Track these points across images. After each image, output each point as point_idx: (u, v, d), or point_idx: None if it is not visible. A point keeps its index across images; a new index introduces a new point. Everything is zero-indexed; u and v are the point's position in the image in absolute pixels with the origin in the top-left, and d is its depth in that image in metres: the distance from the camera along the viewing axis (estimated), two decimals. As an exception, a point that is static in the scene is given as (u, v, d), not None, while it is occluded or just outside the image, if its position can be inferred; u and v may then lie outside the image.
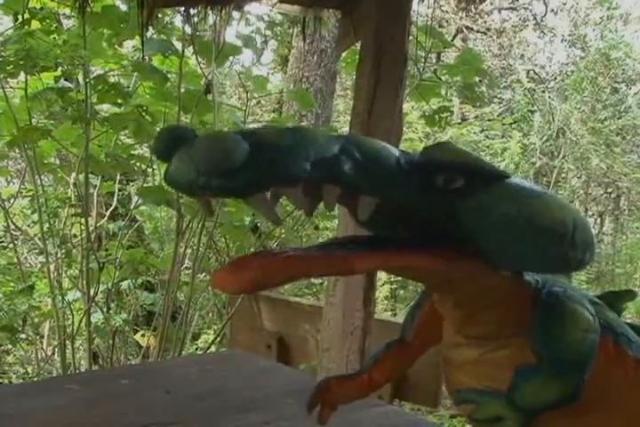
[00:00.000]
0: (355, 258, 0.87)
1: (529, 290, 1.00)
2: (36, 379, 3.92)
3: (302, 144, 0.79)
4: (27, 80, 3.38)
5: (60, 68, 3.52)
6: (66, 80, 3.58)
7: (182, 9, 3.26)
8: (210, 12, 3.25)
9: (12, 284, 4.22)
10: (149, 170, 3.92)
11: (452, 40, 9.57)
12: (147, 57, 3.50)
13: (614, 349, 1.03)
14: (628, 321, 1.15)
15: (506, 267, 0.95)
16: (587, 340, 0.97)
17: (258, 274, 0.82)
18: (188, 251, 3.80)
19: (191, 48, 3.52)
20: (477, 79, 4.17)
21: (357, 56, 2.93)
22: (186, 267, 4.02)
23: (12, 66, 3.25)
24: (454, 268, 0.94)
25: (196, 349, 4.80)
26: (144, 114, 3.39)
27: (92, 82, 3.35)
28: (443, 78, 3.90)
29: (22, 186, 4.28)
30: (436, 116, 3.71)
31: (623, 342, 1.04)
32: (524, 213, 0.89)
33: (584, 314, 0.98)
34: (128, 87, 3.57)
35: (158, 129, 3.48)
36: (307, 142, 0.80)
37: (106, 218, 4.16)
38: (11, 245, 4.37)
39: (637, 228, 11.74)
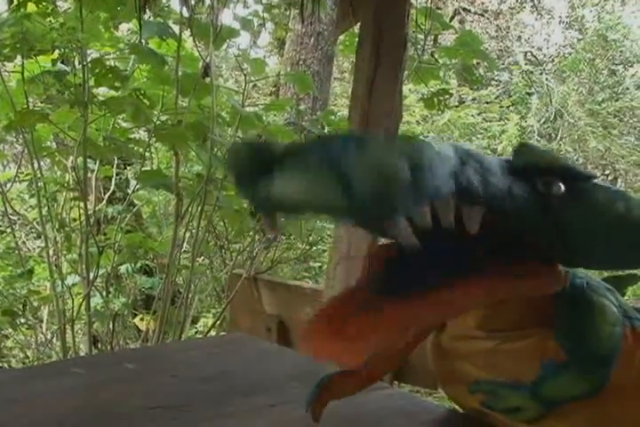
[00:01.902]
0: (460, 300, 0.84)
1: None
2: (35, 363, 3.93)
3: (437, 161, 0.74)
4: (23, 63, 3.36)
5: (56, 52, 3.50)
6: (63, 63, 3.56)
7: (180, -9, 3.24)
8: (207, -6, 3.24)
9: (10, 268, 4.21)
10: (147, 154, 3.90)
11: (450, 22, 9.53)
12: (144, 40, 3.48)
13: (632, 335, 1.03)
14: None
15: (594, 265, 0.97)
16: (615, 334, 0.97)
17: (380, 341, 0.78)
18: (187, 235, 3.80)
19: (188, 31, 3.50)
20: (476, 61, 4.15)
21: (356, 39, 2.91)
22: (185, 251, 4.02)
23: (8, 49, 3.23)
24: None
25: (196, 332, 4.82)
26: (142, 97, 3.37)
27: (90, 65, 3.33)
28: (441, 61, 3.88)
29: (20, 170, 4.26)
30: (435, 99, 3.69)
31: (638, 327, 1.04)
32: (630, 216, 0.89)
33: (610, 308, 0.98)
34: (125, 70, 3.55)
35: (155, 113, 3.48)
36: (439, 158, 0.75)
37: (104, 202, 4.15)
38: (9, 230, 4.37)
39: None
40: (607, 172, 11.71)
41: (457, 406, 1.21)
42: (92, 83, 3.38)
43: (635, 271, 1.17)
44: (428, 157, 0.73)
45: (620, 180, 11.93)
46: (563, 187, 0.88)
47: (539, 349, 1.00)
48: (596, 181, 0.94)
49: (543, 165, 0.88)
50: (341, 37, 4.98)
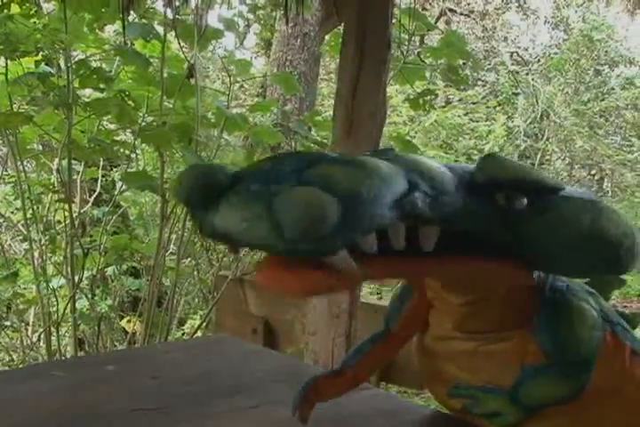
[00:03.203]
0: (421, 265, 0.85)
1: (532, 284, 0.99)
2: (21, 366, 3.91)
3: (381, 189, 0.73)
4: (7, 65, 3.35)
5: (40, 53, 3.49)
6: (47, 65, 3.55)
7: (164, -8, 3.24)
8: (191, -5, 3.24)
9: (-5, 271, 4.19)
10: (133, 155, 3.89)
11: (436, 23, 9.57)
12: (128, 41, 3.47)
13: (612, 340, 1.02)
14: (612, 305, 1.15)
15: (558, 273, 0.96)
16: (594, 338, 0.97)
17: (327, 279, 0.76)
18: (173, 236, 3.79)
19: (173, 32, 3.49)
20: (461, 62, 4.16)
21: (341, 39, 2.91)
22: (171, 252, 4.01)
23: (-9, 50, 3.21)
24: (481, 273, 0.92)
25: (183, 334, 4.80)
26: (126, 99, 3.36)
27: (74, 66, 3.32)
28: (426, 61, 3.89)
29: (4, 172, 4.24)
30: (421, 100, 3.69)
31: (619, 333, 1.04)
32: (595, 229, 0.88)
33: (590, 312, 0.98)
34: (110, 72, 3.54)
35: (140, 114, 3.47)
36: (384, 186, 0.73)
37: (90, 204, 4.14)
38: (-6, 232, 4.35)
39: (621, 209, 11.81)
40: (594, 171, 11.76)
41: (442, 407, 1.21)
42: (76, 84, 3.36)
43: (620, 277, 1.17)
44: (371, 186, 0.72)
45: (606, 179, 11.99)
46: (525, 201, 0.87)
47: (518, 352, 0.99)
48: (566, 191, 0.92)
49: (504, 178, 0.86)
50: (327, 37, 4.98)
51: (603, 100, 11.33)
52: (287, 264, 0.76)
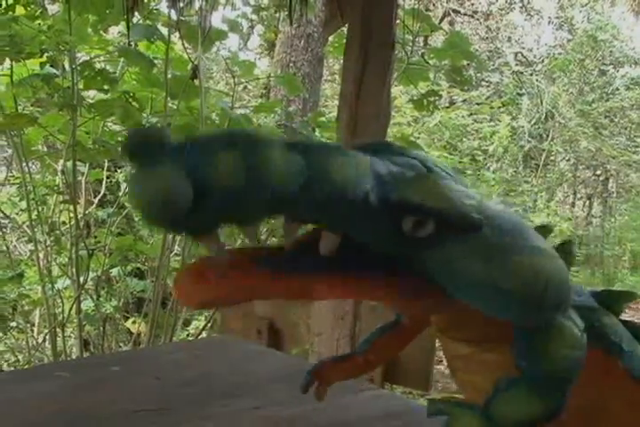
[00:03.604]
0: (315, 286, 0.82)
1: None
2: (26, 367, 3.92)
3: (258, 185, 0.70)
4: (12, 67, 3.36)
5: (45, 55, 3.50)
6: (52, 66, 3.56)
7: (168, -6, 3.24)
8: (195, -4, 3.24)
9: (0, 272, 4.20)
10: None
11: (440, 23, 9.56)
12: (132, 43, 3.48)
13: (604, 361, 0.99)
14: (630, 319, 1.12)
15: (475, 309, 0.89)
16: (571, 356, 0.92)
17: (216, 292, 0.78)
18: (178, 237, 3.80)
19: (177, 33, 3.50)
20: (465, 62, 4.16)
21: (344, 40, 2.91)
22: (175, 253, 4.02)
23: (-4, 52, 3.23)
24: (417, 301, 0.91)
25: (187, 335, 4.81)
26: (131, 100, 3.37)
27: (78, 68, 3.33)
28: (430, 62, 3.89)
29: (10, 173, 4.25)
30: (425, 100, 3.70)
31: (614, 353, 1.01)
32: (492, 274, 0.83)
33: (571, 329, 0.93)
34: (114, 73, 3.55)
35: (145, 115, 3.48)
36: (263, 183, 0.70)
37: (94, 205, 4.15)
38: (-1, 233, 4.36)
39: (626, 210, 11.80)
40: (598, 172, 11.74)
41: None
42: (81, 86, 3.38)
43: (633, 290, 1.14)
44: (229, 184, 0.69)
45: (611, 180, 11.97)
46: (431, 229, 0.82)
47: (501, 365, 0.95)
48: (496, 228, 0.86)
49: (415, 203, 0.81)
50: (331, 39, 4.98)
51: (607, 100, 11.31)
52: (189, 277, 0.78)
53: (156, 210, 0.68)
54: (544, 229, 1.07)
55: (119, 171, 4.91)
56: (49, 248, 3.81)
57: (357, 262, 0.83)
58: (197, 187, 0.67)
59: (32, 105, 3.83)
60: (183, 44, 3.58)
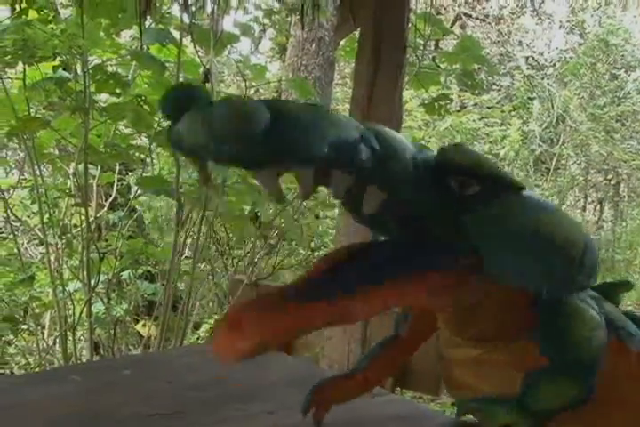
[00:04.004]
0: (351, 306, 0.82)
1: (529, 292, 0.97)
2: (37, 369, 3.93)
3: (324, 122, 0.74)
4: (25, 70, 3.37)
5: (58, 58, 3.51)
6: (64, 70, 3.57)
7: (180, -2, 3.25)
8: (208, 0, 3.25)
9: (12, 274, 4.21)
10: (148, 160, 3.91)
11: (451, 27, 9.55)
12: (145, 46, 3.49)
13: (616, 344, 1.01)
14: (629, 309, 1.13)
15: (507, 281, 0.91)
16: (595, 338, 0.95)
17: (260, 338, 0.78)
18: (189, 240, 3.80)
19: (189, 37, 3.51)
20: (476, 66, 4.16)
21: (356, 44, 2.92)
22: (186, 256, 4.02)
23: (9, 56, 3.24)
24: (455, 293, 0.92)
25: (198, 338, 4.81)
26: (142, 103, 3.37)
27: (91, 71, 3.34)
28: (442, 66, 3.89)
29: (21, 176, 4.27)
30: (436, 104, 3.69)
31: (625, 337, 1.02)
32: (534, 228, 0.86)
33: (589, 312, 0.96)
34: (126, 77, 3.56)
35: (156, 119, 3.49)
36: (328, 121, 0.75)
37: (105, 208, 4.15)
38: (11, 236, 4.37)
39: (637, 214, 11.74)
40: (610, 176, 11.70)
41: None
42: (93, 89, 3.38)
43: (629, 279, 1.16)
44: (314, 118, 0.74)
45: (622, 184, 11.92)
46: (477, 188, 0.86)
47: (522, 361, 0.97)
48: (531, 193, 0.91)
49: (462, 164, 0.86)
50: (342, 42, 4.98)
51: (619, 104, 11.27)
52: (223, 329, 0.79)
53: (236, 124, 0.70)
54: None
55: (130, 174, 4.92)
56: (60, 251, 3.82)
57: (380, 271, 0.84)
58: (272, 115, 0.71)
59: (44, 108, 3.84)
60: (195, 48, 3.58)
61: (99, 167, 3.87)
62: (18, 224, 4.55)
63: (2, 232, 5.22)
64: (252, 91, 4.20)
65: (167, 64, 3.45)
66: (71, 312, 3.74)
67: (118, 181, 4.24)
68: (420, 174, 0.83)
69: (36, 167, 3.60)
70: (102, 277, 3.76)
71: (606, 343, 0.96)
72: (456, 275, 0.89)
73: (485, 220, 0.87)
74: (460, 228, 0.87)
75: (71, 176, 3.74)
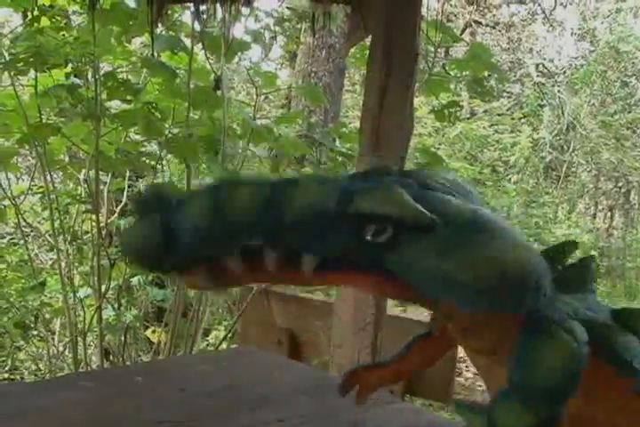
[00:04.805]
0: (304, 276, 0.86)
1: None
2: (47, 375, 3.94)
3: (222, 219, 0.80)
4: (37, 77, 3.39)
5: (69, 65, 3.52)
6: (76, 77, 3.59)
7: (191, 5, 3.26)
8: (219, 8, 3.26)
9: (23, 280, 4.23)
10: (159, 166, 3.92)
11: (461, 34, 9.55)
12: (156, 53, 3.50)
13: (614, 380, 0.96)
14: None
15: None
16: (564, 368, 0.89)
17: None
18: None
19: (200, 44, 3.52)
20: (487, 73, 4.15)
21: (367, 51, 2.92)
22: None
23: (22, 63, 3.25)
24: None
25: (207, 345, 4.81)
26: (153, 110, 3.38)
27: (102, 78, 3.36)
28: (452, 73, 3.89)
29: (33, 183, 4.29)
30: (446, 111, 3.69)
31: (625, 373, 0.96)
32: (447, 268, 0.84)
33: (565, 340, 0.90)
34: (137, 84, 3.57)
35: (167, 125, 3.50)
36: (226, 216, 0.80)
37: (116, 214, 4.17)
38: (22, 242, 4.39)
39: (648, 222, 11.70)
40: (620, 184, 11.66)
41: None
42: (104, 96, 3.40)
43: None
44: (199, 224, 0.80)
45: (633, 192, 11.88)
46: (389, 234, 0.85)
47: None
48: (453, 227, 0.87)
49: (371, 212, 0.85)
50: (353, 50, 4.99)
51: (630, 111, 11.24)
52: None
53: (134, 253, 0.82)
54: (570, 245, 1.07)
55: (140, 180, 4.94)
56: (71, 257, 3.83)
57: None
58: (169, 231, 0.80)
59: (56, 115, 3.86)
60: (206, 55, 3.59)
61: (109, 174, 3.88)
62: (29, 230, 4.57)
63: (13, 238, 5.24)
64: (262, 97, 4.21)
65: (178, 71, 3.46)
66: (81, 318, 3.75)
67: (129, 187, 4.25)
68: (338, 230, 0.85)
69: (47, 174, 3.61)
70: (112, 284, 3.77)
71: (580, 378, 0.89)
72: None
73: (402, 264, 0.86)
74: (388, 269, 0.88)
75: (82, 182, 3.76)
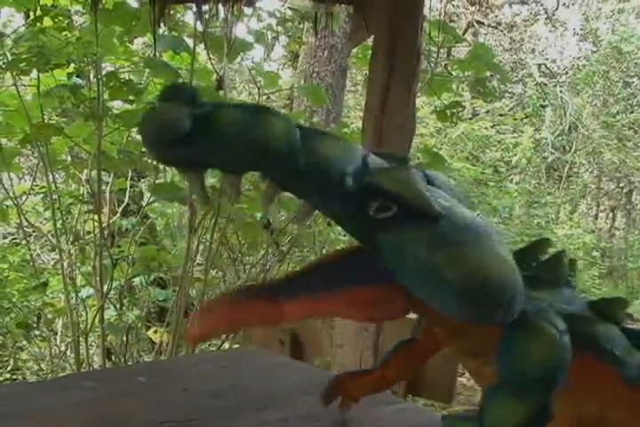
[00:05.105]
0: (285, 307, 0.88)
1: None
2: (50, 375, 3.94)
3: (250, 133, 0.79)
4: (39, 77, 3.39)
5: (72, 65, 3.52)
6: (78, 77, 3.59)
7: (194, 5, 3.26)
8: (221, 8, 3.26)
9: (25, 281, 4.23)
10: (161, 166, 3.92)
11: (464, 35, 9.55)
12: (158, 53, 3.50)
13: (598, 368, 0.98)
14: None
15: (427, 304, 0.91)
16: (550, 357, 0.91)
17: (203, 330, 0.88)
18: (201, 247, 3.80)
19: (202, 44, 3.52)
20: (489, 74, 4.15)
21: (369, 51, 2.92)
22: (198, 263, 4.02)
23: (24, 63, 3.25)
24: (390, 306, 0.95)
25: (209, 345, 4.81)
26: (156, 110, 3.38)
27: (104, 79, 3.35)
28: (454, 73, 3.88)
29: (35, 183, 4.29)
30: (448, 112, 3.69)
31: (607, 361, 0.99)
32: (435, 261, 0.85)
33: (548, 331, 0.92)
34: (140, 84, 3.57)
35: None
36: (258, 130, 0.79)
37: (118, 215, 4.16)
38: (24, 242, 4.39)
39: (650, 222, 11.69)
40: (622, 184, 11.66)
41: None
42: (106, 96, 3.40)
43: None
44: (231, 122, 0.79)
45: (635, 192, 11.88)
46: (392, 213, 0.87)
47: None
48: (454, 218, 0.89)
49: (381, 188, 0.87)
50: (355, 50, 4.99)
51: (632, 112, 11.24)
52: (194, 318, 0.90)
53: (156, 131, 0.79)
54: (544, 243, 1.08)
55: (142, 181, 4.94)
56: (73, 257, 3.83)
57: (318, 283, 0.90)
58: (199, 122, 0.77)
59: (58, 115, 3.86)
60: (208, 55, 3.59)
61: (112, 174, 3.88)
62: (31, 230, 4.57)
63: (15, 238, 5.25)
64: (264, 98, 4.20)
65: (180, 71, 3.46)
66: (83, 318, 3.75)
67: (131, 187, 4.25)
68: (345, 194, 0.85)
69: (49, 174, 3.61)
70: (115, 284, 3.77)
71: (567, 365, 0.91)
72: (384, 288, 0.90)
73: (392, 245, 0.87)
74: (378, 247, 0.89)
75: (84, 183, 3.76)
